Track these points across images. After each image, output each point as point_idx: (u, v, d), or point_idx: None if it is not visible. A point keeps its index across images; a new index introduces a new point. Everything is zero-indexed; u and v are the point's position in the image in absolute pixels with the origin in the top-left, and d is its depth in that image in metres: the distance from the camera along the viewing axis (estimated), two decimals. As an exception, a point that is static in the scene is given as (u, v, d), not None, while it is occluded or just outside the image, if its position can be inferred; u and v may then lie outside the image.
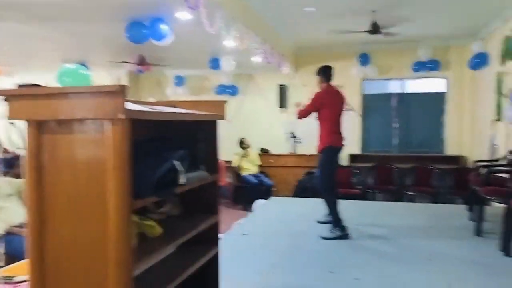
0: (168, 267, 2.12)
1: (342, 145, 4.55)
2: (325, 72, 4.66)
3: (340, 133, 4.56)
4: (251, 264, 3.62)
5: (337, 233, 4.29)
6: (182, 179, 1.91)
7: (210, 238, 2.49)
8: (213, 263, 2.52)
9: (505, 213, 3.72)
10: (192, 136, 2.31)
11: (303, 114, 4.58)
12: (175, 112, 1.93)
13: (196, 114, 2.11)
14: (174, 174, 1.91)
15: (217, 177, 2.41)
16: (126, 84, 8.96)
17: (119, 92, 1.48)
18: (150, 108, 1.83)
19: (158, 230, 1.98)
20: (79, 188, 1.55)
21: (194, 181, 2.07)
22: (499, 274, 3.32)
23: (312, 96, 4.59)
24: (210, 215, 2.42)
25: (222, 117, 2.41)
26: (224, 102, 2.45)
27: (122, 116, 1.48)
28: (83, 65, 8.42)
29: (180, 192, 2.12)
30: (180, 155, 1.95)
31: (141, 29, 4.86)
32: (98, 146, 1.53)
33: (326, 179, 4.46)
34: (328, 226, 4.43)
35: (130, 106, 1.61)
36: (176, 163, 1.89)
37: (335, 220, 4.35)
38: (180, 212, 2.40)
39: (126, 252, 1.56)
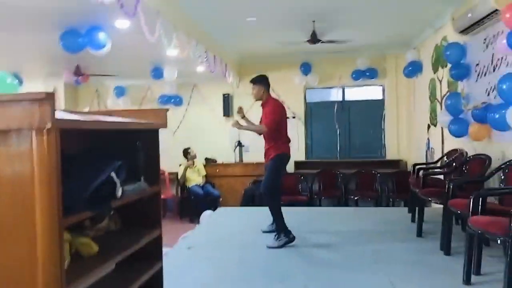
0: (107, 287, 1.99)
1: (290, 154, 4.61)
2: (266, 81, 4.57)
3: (289, 142, 4.60)
4: (196, 279, 3.52)
5: (283, 239, 4.24)
6: (118, 192, 1.81)
7: (152, 254, 2.37)
8: (157, 280, 2.40)
9: (443, 213, 3.88)
10: (131, 147, 2.21)
11: (274, 126, 4.42)
12: (110, 121, 1.82)
13: (133, 123, 2.00)
14: (111, 187, 1.80)
15: (158, 188, 2.31)
16: (62, 95, 8.64)
17: (46, 99, 1.37)
18: (83, 117, 1.72)
19: (94, 248, 1.85)
20: (3, 206, 1.41)
21: (133, 193, 1.96)
22: (440, 273, 3.45)
23: (270, 107, 4.49)
24: (152, 229, 2.30)
25: (163, 126, 2.31)
26: (166, 110, 2.35)
27: (49, 125, 1.37)
28: (16, 76, 7.99)
29: (119, 205, 2.02)
30: (117, 167, 1.84)
31: (76, 38, 4.64)
32: (24, 160, 1.40)
33: (274, 185, 4.41)
34: (273, 234, 4.37)
35: (59, 115, 1.49)
36: (113, 175, 1.78)
37: (280, 227, 4.30)
38: (119, 227, 2.27)
39: (57, 274, 1.43)
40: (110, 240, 2.08)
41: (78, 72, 6.65)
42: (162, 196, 8.58)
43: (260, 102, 4.62)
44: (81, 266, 1.75)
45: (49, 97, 1.37)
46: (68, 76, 7.15)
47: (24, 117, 1.36)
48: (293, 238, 4.25)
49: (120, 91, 9.03)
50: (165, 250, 4.52)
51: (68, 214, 1.53)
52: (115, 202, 1.85)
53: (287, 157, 4.56)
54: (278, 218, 4.30)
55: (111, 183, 1.78)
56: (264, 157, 4.62)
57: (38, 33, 5.18)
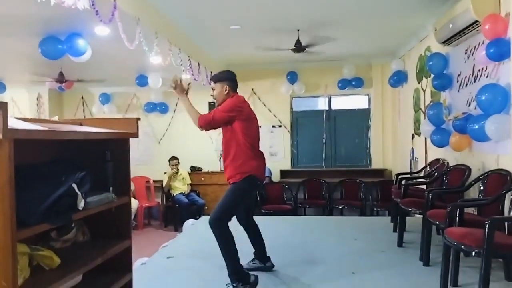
0: (72, 300, 1.94)
1: (264, 177, 3.65)
2: (233, 79, 3.55)
3: (262, 159, 3.55)
4: (173, 290, 3.46)
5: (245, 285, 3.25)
6: (80, 204, 1.76)
7: (122, 265, 2.32)
8: (127, 291, 2.34)
9: (422, 224, 3.87)
10: (101, 157, 2.16)
11: (208, 121, 3.36)
12: (71, 131, 1.77)
13: (97, 133, 1.96)
14: (72, 199, 1.76)
15: (127, 199, 2.26)
16: (46, 102, 8.53)
17: (-2, 108, 1.33)
18: (45, 127, 1.67)
19: (55, 260, 1.80)
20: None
21: (97, 205, 1.91)
22: (418, 284, 3.43)
23: (227, 101, 3.45)
24: (122, 240, 2.26)
25: (133, 135, 2.28)
26: (137, 119, 2.31)
27: (0, 136, 1.33)
28: (0, 83, 7.90)
29: (84, 217, 1.97)
30: (80, 178, 1.80)
31: (56, 44, 4.59)
32: (-24, 171, 1.36)
33: (227, 217, 3.32)
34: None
35: (14, 124, 1.45)
36: (74, 187, 1.74)
37: (234, 272, 3.25)
38: (88, 239, 2.23)
39: (10, 289, 1.39)
40: (76, 252, 2.04)
41: (61, 78, 6.57)
42: (147, 204, 8.56)
43: None
44: (41, 279, 1.70)
45: (0, 106, 1.33)
46: (52, 82, 7.08)
47: (-25, 127, 1.32)
48: (256, 281, 3.29)
49: (106, 98, 8.97)
50: (144, 259, 4.47)
51: (23, 227, 1.50)
52: (77, 214, 1.81)
53: (255, 180, 3.43)
54: (232, 260, 3.27)
55: (72, 195, 1.74)
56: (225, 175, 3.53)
57: (19, 38, 5.12)
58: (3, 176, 1.36)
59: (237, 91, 3.62)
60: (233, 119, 3.37)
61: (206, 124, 3.39)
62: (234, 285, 3.24)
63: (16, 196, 1.41)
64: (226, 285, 3.29)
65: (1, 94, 7.75)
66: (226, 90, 3.49)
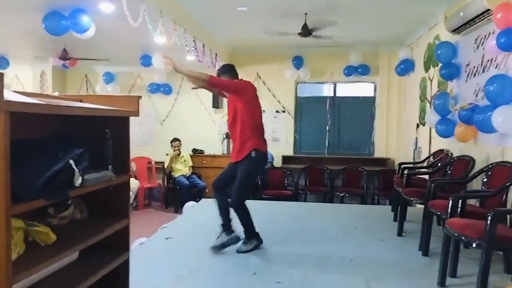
0: (68, 277, 1.93)
1: (267, 151, 4.00)
2: (231, 70, 3.98)
3: (264, 138, 3.98)
4: (169, 270, 3.46)
5: (254, 243, 3.94)
6: (77, 181, 1.73)
7: (119, 244, 2.30)
8: (123, 271, 2.33)
9: (423, 214, 3.84)
10: (101, 135, 2.13)
11: (215, 81, 3.76)
12: (69, 106, 1.73)
13: (99, 109, 1.92)
14: (70, 175, 1.73)
15: (126, 178, 2.24)
16: (49, 79, 8.50)
17: (-9, 80, 1.29)
18: (42, 101, 1.64)
19: (51, 236, 1.78)
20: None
21: (95, 182, 1.89)
22: (417, 274, 3.41)
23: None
24: (119, 219, 2.24)
25: (134, 114, 2.24)
26: (138, 97, 2.27)
27: (-5, 108, 1.29)
28: (3, 58, 7.85)
29: (83, 194, 1.95)
30: (77, 154, 1.77)
31: (60, 20, 4.52)
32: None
33: (246, 196, 3.92)
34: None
35: (10, 97, 1.42)
36: (71, 163, 1.71)
37: (250, 232, 3.93)
38: (85, 217, 2.21)
39: (2, 264, 1.37)
40: (72, 229, 2.02)
41: (65, 55, 6.51)
42: (148, 185, 8.57)
43: None
44: (36, 255, 1.69)
45: (-5, 77, 1.29)
46: (55, 59, 7.02)
47: (-31, 99, 1.29)
48: (261, 241, 4.00)
49: (109, 78, 8.91)
50: (143, 239, 4.48)
51: (19, 202, 1.47)
52: (74, 191, 1.78)
53: (263, 155, 3.91)
54: (248, 225, 3.93)
55: (69, 171, 1.71)
56: (232, 155, 3.97)
57: (22, 13, 5.06)
58: (-1, 149, 1.32)
59: (243, 74, 4.15)
60: (239, 94, 3.80)
61: (216, 80, 3.80)
62: (247, 240, 3.91)
63: (12, 170, 1.38)
64: (242, 240, 3.92)
65: (4, 70, 7.70)
66: None
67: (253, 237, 3.94)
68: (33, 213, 1.88)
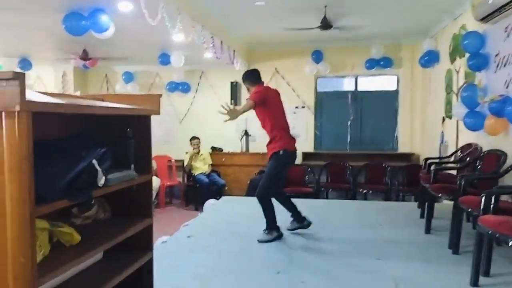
0: (92, 277, 1.91)
1: (295, 148, 4.29)
2: (250, 76, 4.34)
3: (290, 134, 4.30)
4: (192, 269, 3.43)
5: (274, 234, 4.14)
6: (101, 181, 1.70)
7: (142, 244, 2.27)
8: (147, 270, 2.30)
9: (453, 211, 3.71)
10: (123, 134, 2.10)
11: (258, 99, 4.10)
12: (90, 105, 1.70)
13: (120, 108, 1.88)
14: (93, 175, 1.70)
15: (149, 177, 2.20)
16: (71, 80, 8.60)
17: (15, 79, 1.26)
18: (63, 101, 1.60)
19: (76, 237, 1.75)
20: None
21: (118, 182, 1.85)
22: (446, 273, 3.29)
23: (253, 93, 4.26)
24: (142, 218, 2.21)
25: (155, 112, 2.20)
26: (159, 96, 2.24)
27: (18, 108, 1.26)
28: (26, 60, 7.96)
29: (104, 194, 1.92)
30: (100, 154, 1.74)
31: (79, 20, 4.53)
32: (-8, 144, 1.30)
33: (270, 190, 4.19)
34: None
35: (32, 97, 1.38)
36: (94, 163, 1.67)
37: (271, 222, 4.16)
38: (108, 216, 2.18)
39: (28, 266, 1.34)
40: (96, 229, 2.00)
41: (85, 56, 6.55)
42: (169, 183, 8.59)
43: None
44: (61, 256, 1.66)
45: (18, 77, 1.26)
46: (77, 60, 7.08)
47: (-10, 98, 1.25)
48: (282, 235, 4.20)
49: (129, 77, 8.96)
50: (165, 238, 4.46)
51: (42, 203, 1.44)
52: (97, 191, 1.75)
53: (291, 154, 4.25)
54: (270, 216, 4.16)
55: (92, 171, 1.67)
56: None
57: (43, 15, 5.09)
58: (21, 150, 1.29)
59: (261, 70, 4.45)
60: (259, 103, 4.11)
61: (247, 103, 4.19)
62: (268, 230, 4.15)
63: (35, 171, 1.35)
64: (264, 230, 4.17)
65: (27, 71, 7.80)
66: (248, 89, 4.36)
67: (274, 230, 4.17)
68: (57, 214, 1.86)
